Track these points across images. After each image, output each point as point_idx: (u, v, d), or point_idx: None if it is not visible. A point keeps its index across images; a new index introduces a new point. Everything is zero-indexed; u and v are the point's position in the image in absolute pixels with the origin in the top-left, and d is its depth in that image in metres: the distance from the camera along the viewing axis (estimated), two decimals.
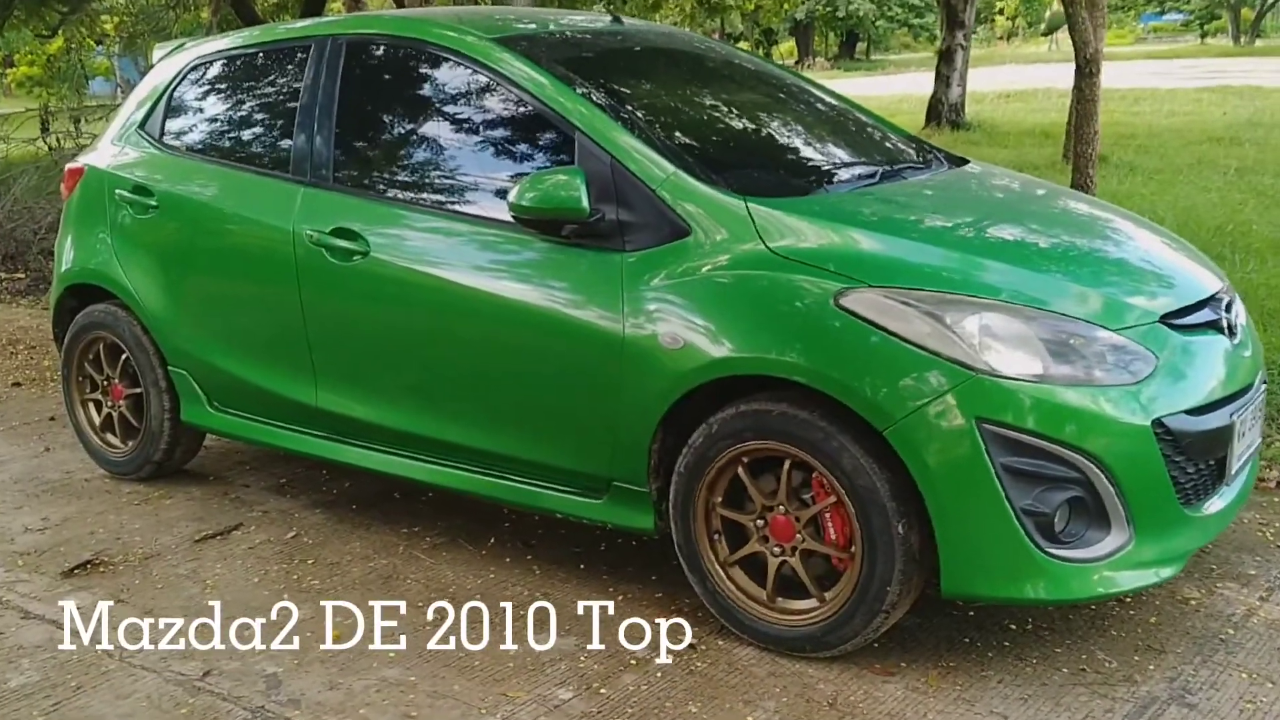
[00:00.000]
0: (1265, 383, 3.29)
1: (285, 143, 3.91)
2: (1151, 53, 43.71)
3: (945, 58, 18.28)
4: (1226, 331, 3.10)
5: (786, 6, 20.84)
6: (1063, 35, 62.00)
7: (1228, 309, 3.18)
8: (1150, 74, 28.41)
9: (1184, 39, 56.69)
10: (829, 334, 2.86)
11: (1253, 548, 3.59)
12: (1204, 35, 55.12)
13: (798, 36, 52.94)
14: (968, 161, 3.93)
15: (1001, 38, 67.11)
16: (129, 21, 20.39)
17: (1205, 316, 3.06)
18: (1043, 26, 66.93)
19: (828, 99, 4.16)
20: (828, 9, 46.10)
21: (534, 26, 3.87)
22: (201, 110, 4.29)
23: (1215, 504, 3.00)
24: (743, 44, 41.62)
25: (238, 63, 4.25)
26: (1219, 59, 35.49)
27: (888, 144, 3.94)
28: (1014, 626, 3.18)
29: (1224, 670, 2.93)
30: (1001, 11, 66.36)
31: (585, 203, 3.13)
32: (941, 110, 17.92)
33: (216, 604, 3.47)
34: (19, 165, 11.29)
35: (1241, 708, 2.77)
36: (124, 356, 4.41)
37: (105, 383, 4.53)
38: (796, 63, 48.25)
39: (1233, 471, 3.06)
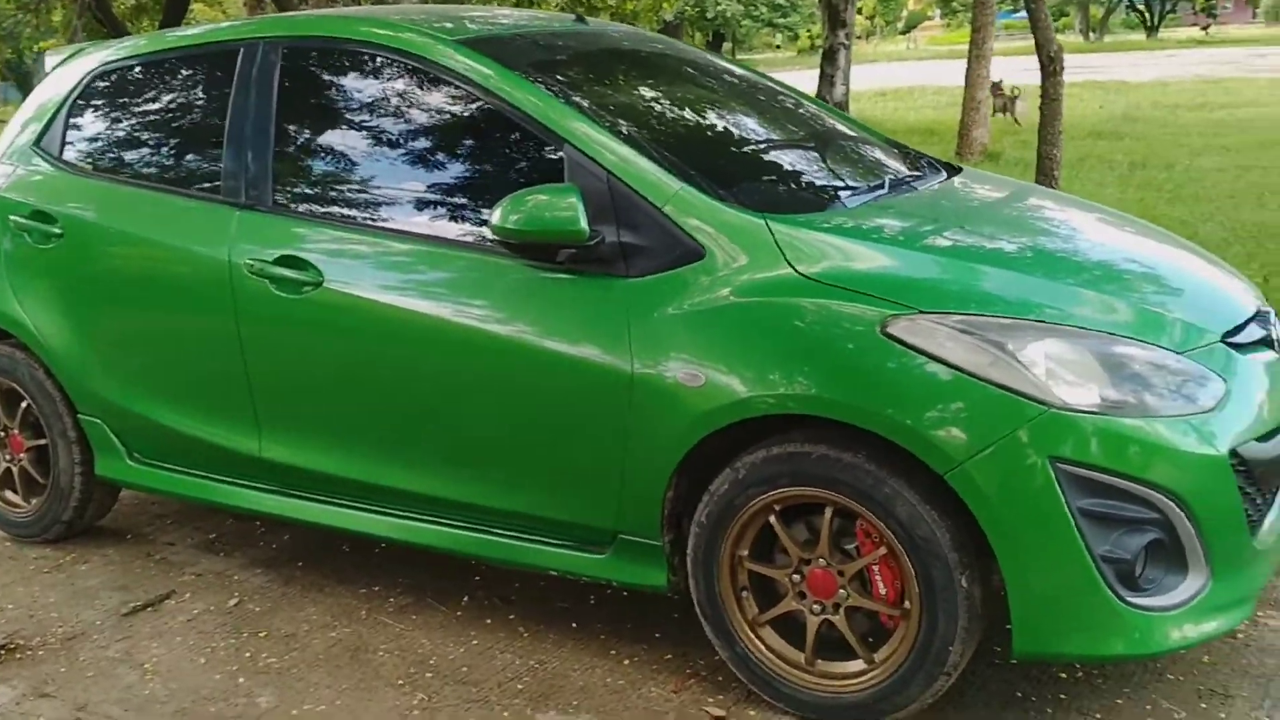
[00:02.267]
0: None
1: (215, 160, 3.45)
2: (1006, 49, 44.81)
3: (828, 56, 18.22)
4: (1275, 347, 2.91)
5: (665, 7, 20.52)
6: (920, 33, 63.61)
7: (1272, 323, 2.99)
8: (1013, 70, 29.15)
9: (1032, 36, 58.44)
10: (877, 367, 2.55)
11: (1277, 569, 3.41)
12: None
13: (665, 35, 52.96)
14: (960, 169, 3.69)
15: (861, 37, 68.39)
16: None
17: (1256, 333, 2.86)
18: (900, 25, 68.49)
19: (806, 103, 3.87)
20: (696, 9, 46.13)
21: (495, 27, 3.49)
22: (111, 125, 3.78)
23: (1268, 535, 2.79)
24: None
25: (151, 70, 3.76)
26: (1072, 55, 36.46)
27: (880, 151, 3.67)
28: (1065, 676, 2.93)
29: None
30: (860, 11, 67.57)
31: (584, 224, 2.77)
32: None
33: (162, 693, 3.01)
34: None
35: None
36: (24, 404, 3.88)
37: (3, 434, 3.98)
38: None
39: None
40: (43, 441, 3.88)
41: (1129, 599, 2.49)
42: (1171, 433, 2.49)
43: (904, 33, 65.92)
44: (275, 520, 3.68)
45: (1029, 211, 3.40)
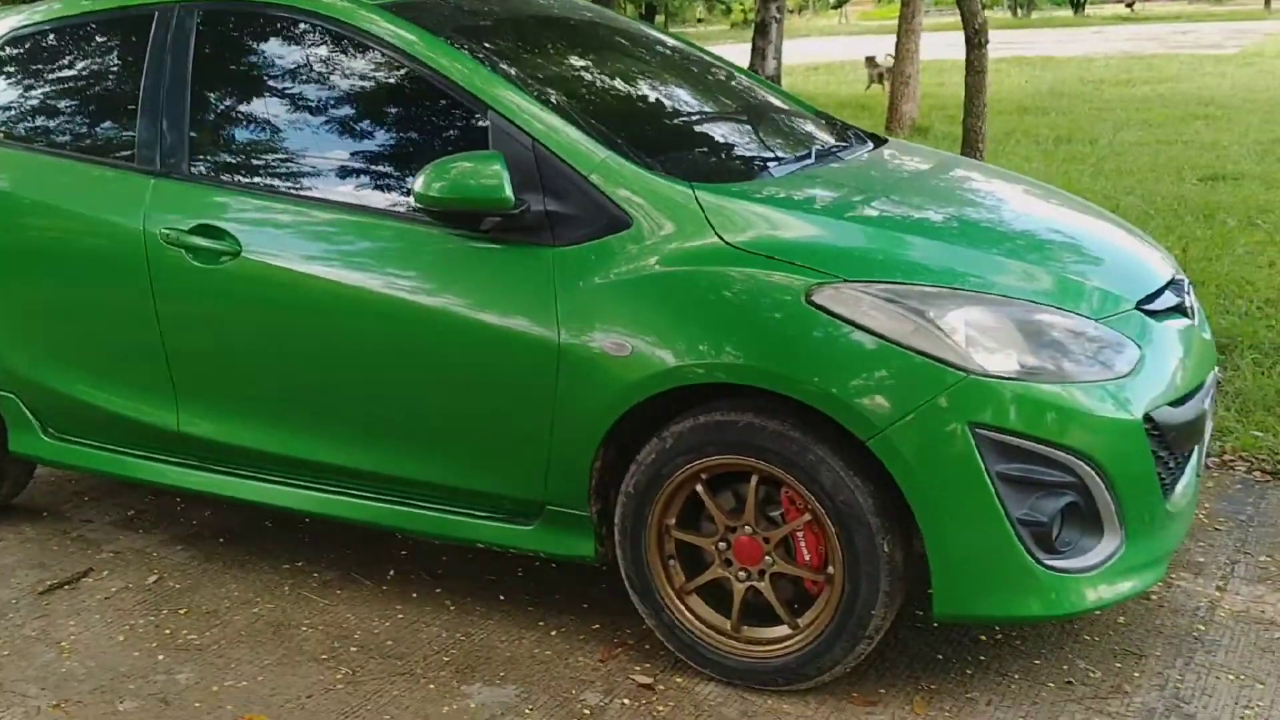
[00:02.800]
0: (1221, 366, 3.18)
1: (129, 128, 3.35)
2: (935, 24, 45.17)
3: (760, 30, 18.21)
4: (1188, 314, 2.97)
5: None
6: (852, 8, 63.77)
7: (1186, 291, 3.05)
8: (942, 45, 29.42)
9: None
10: (802, 335, 2.57)
11: (1191, 532, 3.50)
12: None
13: (596, 5, 52.61)
14: (886, 141, 3.71)
15: (793, 11, 68.52)
16: None
17: (1170, 300, 2.91)
18: (832, 0, 68.66)
19: (737, 74, 3.86)
20: None
21: None
22: (23, 92, 3.65)
23: (1180, 498, 2.85)
24: None
25: (65, 36, 3.63)
26: (1001, 30, 36.73)
27: (808, 123, 3.67)
28: (984, 638, 2.98)
29: (1209, 673, 2.80)
30: None
31: (509, 191, 2.74)
32: None
33: (80, 670, 2.95)
34: None
35: (1240, 714, 2.64)
36: None
37: None
38: None
39: (1195, 461, 2.93)
40: None
41: (1046, 561, 2.54)
42: (1088, 398, 2.54)
43: (835, 7, 66.07)
44: (196, 496, 3.62)
45: (955, 182, 3.42)
